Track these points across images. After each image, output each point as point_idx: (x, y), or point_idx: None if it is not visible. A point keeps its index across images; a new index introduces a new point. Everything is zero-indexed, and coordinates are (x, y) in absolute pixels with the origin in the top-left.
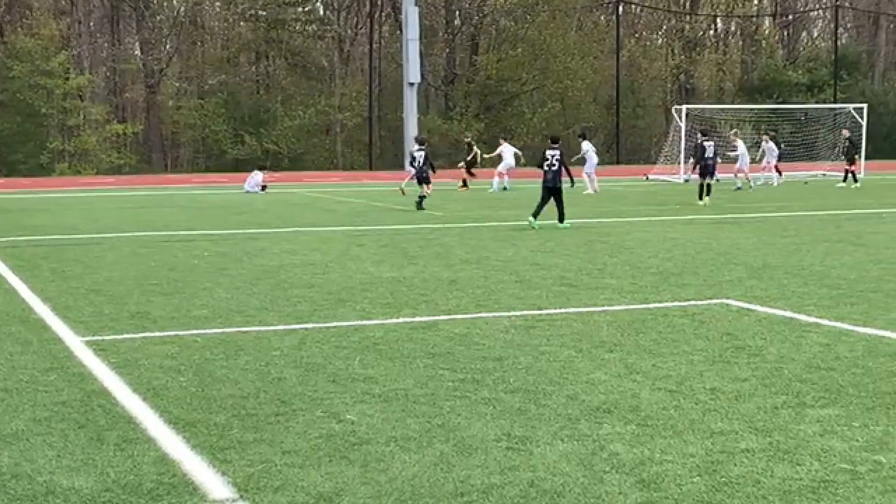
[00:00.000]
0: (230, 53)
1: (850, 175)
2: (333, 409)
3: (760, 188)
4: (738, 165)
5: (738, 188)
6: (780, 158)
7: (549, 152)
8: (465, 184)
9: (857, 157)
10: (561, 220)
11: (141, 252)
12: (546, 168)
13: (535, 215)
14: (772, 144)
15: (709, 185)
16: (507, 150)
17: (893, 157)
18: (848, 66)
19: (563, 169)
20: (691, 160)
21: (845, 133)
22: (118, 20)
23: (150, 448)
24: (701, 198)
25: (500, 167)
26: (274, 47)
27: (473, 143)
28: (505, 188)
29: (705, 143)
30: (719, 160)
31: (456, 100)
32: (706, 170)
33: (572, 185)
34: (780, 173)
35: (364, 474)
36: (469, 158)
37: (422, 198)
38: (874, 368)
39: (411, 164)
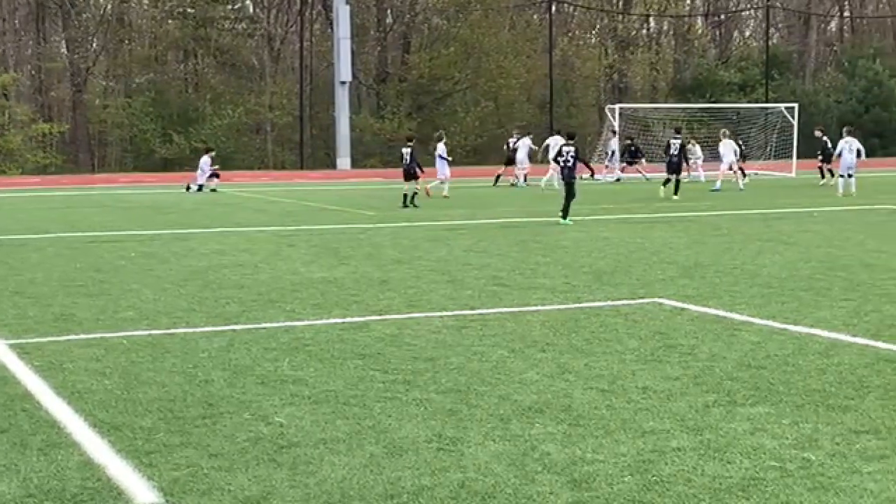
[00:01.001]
0: (158, 52)
1: (826, 172)
2: (262, 412)
3: (686, 184)
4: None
5: (741, 189)
6: (745, 158)
7: (564, 148)
8: (499, 178)
9: (832, 156)
10: (564, 215)
11: (66, 253)
12: (562, 164)
13: (564, 215)
14: (697, 148)
15: (677, 182)
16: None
17: None
18: (779, 65)
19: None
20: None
21: (818, 133)
22: (43, 18)
23: (75, 452)
24: (676, 193)
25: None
26: (202, 45)
27: (520, 137)
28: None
29: (671, 141)
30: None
31: (388, 98)
32: (670, 167)
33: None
34: (744, 173)
35: (292, 477)
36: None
37: (405, 196)
38: (804, 366)
39: (401, 161)
